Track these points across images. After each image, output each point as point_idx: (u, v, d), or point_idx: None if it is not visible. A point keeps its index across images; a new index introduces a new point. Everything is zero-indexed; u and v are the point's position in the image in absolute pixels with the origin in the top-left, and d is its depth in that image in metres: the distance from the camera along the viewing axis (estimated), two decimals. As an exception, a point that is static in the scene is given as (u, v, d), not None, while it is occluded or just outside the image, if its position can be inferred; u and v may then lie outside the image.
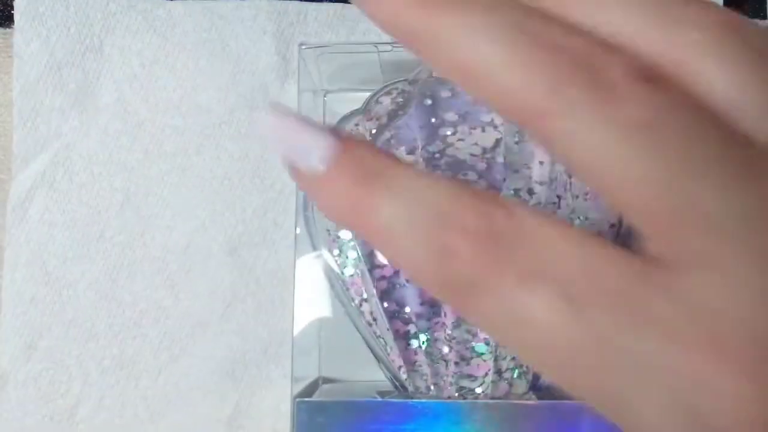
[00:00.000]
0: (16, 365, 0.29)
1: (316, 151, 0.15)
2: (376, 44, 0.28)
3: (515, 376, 0.26)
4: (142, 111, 0.29)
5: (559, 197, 0.27)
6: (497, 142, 0.26)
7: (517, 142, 0.27)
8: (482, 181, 0.26)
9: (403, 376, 0.26)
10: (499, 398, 0.25)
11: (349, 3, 0.30)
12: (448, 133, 0.27)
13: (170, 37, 0.29)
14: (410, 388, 0.26)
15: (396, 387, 0.26)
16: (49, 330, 0.29)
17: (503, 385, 0.25)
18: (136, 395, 0.29)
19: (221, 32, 0.30)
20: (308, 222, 0.27)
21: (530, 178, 0.27)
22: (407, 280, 0.26)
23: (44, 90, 0.29)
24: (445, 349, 0.26)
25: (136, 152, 0.29)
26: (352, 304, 0.27)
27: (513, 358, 0.25)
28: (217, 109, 0.30)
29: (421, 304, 0.26)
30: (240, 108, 0.30)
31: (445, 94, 0.27)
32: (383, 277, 0.26)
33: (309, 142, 0.15)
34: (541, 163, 0.27)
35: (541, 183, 0.26)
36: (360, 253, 0.26)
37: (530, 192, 0.26)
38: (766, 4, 0.32)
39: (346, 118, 0.28)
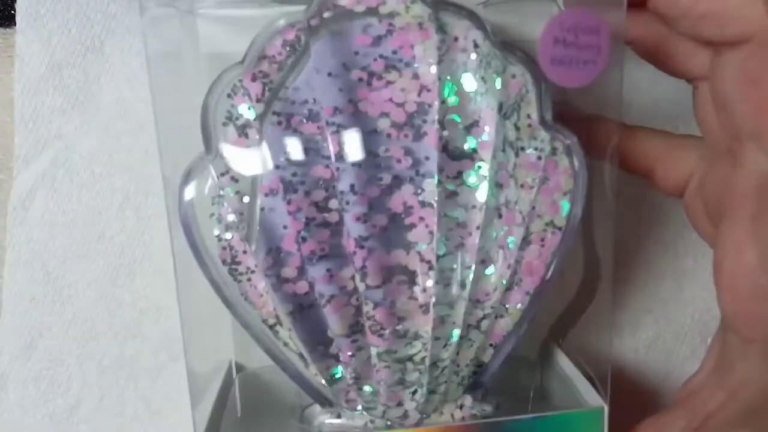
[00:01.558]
0: (16, 365, 0.29)
1: None
2: None
3: (450, 389, 0.23)
4: (142, 111, 0.30)
5: (501, 186, 0.21)
6: (419, 103, 0.20)
7: (443, 102, 0.20)
8: (404, 170, 0.20)
9: (328, 392, 0.23)
10: (434, 410, 0.23)
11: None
12: (359, 87, 0.20)
13: (170, 37, 0.29)
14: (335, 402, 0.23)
15: (319, 401, 0.23)
16: (49, 330, 0.29)
17: (437, 396, 0.23)
18: (136, 395, 0.29)
19: (221, 32, 0.30)
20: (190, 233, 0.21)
21: (468, 157, 0.21)
22: (327, 301, 0.21)
23: (45, 90, 0.29)
24: (374, 373, 0.22)
25: (136, 152, 0.29)
26: (262, 324, 0.22)
27: (455, 372, 0.23)
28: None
29: (348, 330, 0.21)
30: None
31: (360, 36, 0.20)
32: (294, 294, 0.21)
33: None
34: (485, 129, 0.20)
35: (479, 167, 0.21)
36: (262, 264, 0.20)
37: (461, 179, 0.20)
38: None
39: (220, 78, 0.21)
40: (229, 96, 0.20)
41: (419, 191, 0.20)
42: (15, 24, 0.29)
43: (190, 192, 0.21)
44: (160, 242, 0.29)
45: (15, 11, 0.29)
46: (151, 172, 0.29)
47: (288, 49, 0.20)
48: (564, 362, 0.27)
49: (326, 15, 0.20)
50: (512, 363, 0.24)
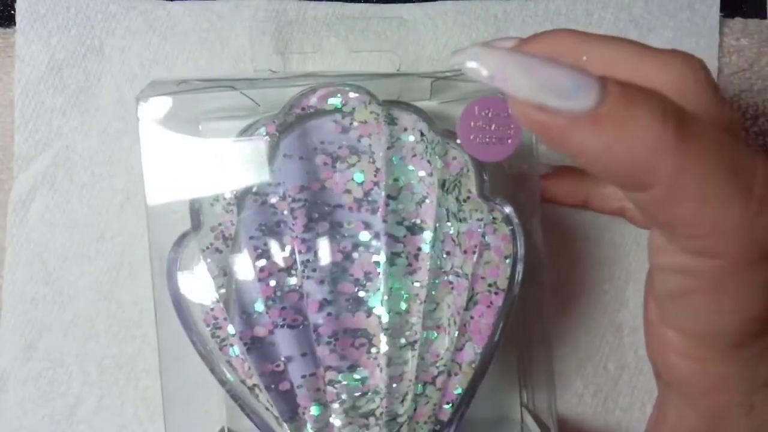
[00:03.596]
0: (16, 365, 0.29)
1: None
2: (233, 82, 0.24)
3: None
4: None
5: (448, 254, 0.24)
6: (375, 182, 0.23)
7: (396, 180, 0.24)
8: (364, 239, 0.23)
9: None
10: None
11: (348, 1, 0.30)
12: (325, 170, 0.23)
13: (170, 37, 0.29)
14: None
15: None
16: (49, 330, 0.29)
17: None
18: (136, 395, 0.29)
19: (220, 32, 0.30)
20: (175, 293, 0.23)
21: (419, 227, 0.24)
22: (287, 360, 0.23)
23: (45, 90, 0.29)
24: (338, 422, 0.24)
25: (136, 152, 0.29)
26: (241, 383, 0.24)
27: (414, 430, 0.24)
28: (217, 110, 0.30)
29: (303, 377, 0.23)
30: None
31: (330, 125, 0.24)
32: (266, 359, 0.23)
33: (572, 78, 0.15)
34: (426, 203, 0.24)
35: (431, 242, 0.24)
36: (237, 326, 0.23)
37: (417, 256, 0.23)
38: (766, 3, 0.32)
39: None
40: None
41: (375, 257, 0.23)
42: (15, 24, 0.29)
43: (178, 260, 0.23)
44: (160, 242, 0.29)
45: (15, 11, 0.29)
46: (151, 172, 0.29)
47: (268, 139, 0.24)
48: (529, 422, 0.28)
49: (298, 112, 0.24)
50: (472, 427, 0.26)
